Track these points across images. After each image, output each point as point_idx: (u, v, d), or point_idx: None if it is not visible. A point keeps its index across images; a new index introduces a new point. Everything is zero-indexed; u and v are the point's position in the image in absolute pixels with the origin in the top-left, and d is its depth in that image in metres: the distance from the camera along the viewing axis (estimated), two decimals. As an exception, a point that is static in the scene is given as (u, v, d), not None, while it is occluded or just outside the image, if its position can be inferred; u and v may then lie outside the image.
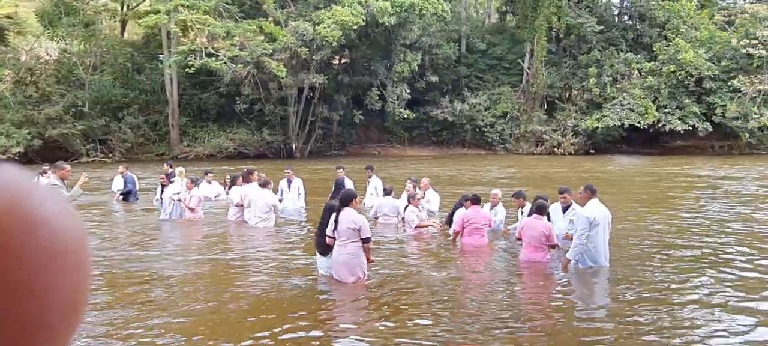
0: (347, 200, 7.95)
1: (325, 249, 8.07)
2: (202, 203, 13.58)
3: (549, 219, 9.24)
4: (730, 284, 7.72)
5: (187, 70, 34.59)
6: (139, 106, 38.01)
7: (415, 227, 11.36)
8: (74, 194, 9.98)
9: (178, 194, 13.12)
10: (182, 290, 7.67)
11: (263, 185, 12.55)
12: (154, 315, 6.58)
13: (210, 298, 7.35)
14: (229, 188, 14.34)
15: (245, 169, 14.15)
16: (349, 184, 13.75)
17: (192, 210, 12.96)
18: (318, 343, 5.77)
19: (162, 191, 14.15)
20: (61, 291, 0.52)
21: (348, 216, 7.76)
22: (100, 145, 35.80)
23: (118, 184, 17.03)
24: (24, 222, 0.50)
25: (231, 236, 11.91)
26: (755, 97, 37.80)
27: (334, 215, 7.84)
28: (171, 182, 13.87)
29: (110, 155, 34.95)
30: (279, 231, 12.07)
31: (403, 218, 11.92)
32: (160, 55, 38.09)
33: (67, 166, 10.16)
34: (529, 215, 9.34)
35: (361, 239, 7.72)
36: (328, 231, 7.91)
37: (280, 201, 13.95)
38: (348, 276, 7.76)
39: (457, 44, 43.72)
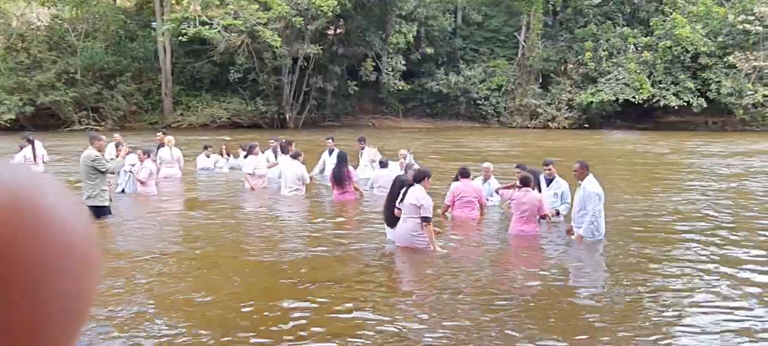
0: (420, 177, 8.21)
1: (392, 221, 8.35)
2: (155, 176, 12.90)
3: (540, 190, 9.30)
4: (716, 258, 7.76)
5: (180, 38, 34.34)
6: (131, 74, 37.69)
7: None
8: (117, 164, 10.03)
9: (132, 166, 12.54)
10: (183, 265, 7.67)
11: (294, 156, 12.77)
12: (171, 288, 6.59)
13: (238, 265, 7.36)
14: (246, 156, 14.16)
15: (284, 140, 14.25)
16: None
17: (142, 183, 12.40)
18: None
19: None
20: (68, 287, 0.52)
21: (414, 193, 8.00)
22: (92, 113, 35.60)
23: (111, 153, 16.95)
24: (31, 218, 0.50)
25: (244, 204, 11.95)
26: (750, 73, 37.78)
27: (404, 189, 8.12)
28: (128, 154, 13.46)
29: (102, 123, 34.76)
30: (277, 199, 12.19)
31: None
32: (153, 23, 37.73)
33: (103, 137, 10.17)
34: (517, 188, 9.36)
35: (421, 217, 7.89)
36: (398, 202, 8.21)
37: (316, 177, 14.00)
38: (414, 247, 7.99)
39: (452, 16, 43.43)
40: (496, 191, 10.11)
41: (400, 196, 8.16)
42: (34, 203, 0.51)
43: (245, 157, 14.17)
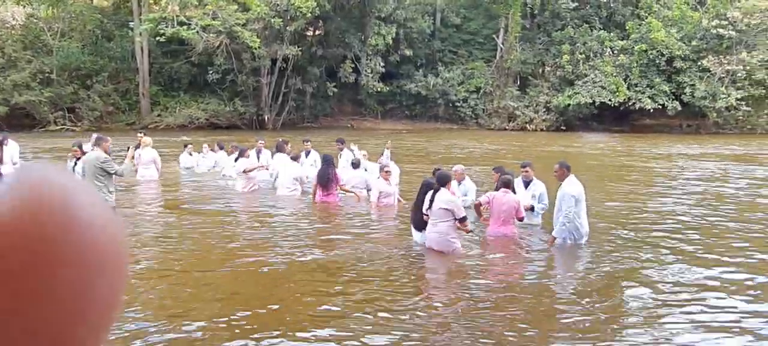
0: (444, 180, 8.27)
1: (420, 225, 8.45)
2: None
3: (515, 192, 9.33)
4: (690, 257, 7.92)
5: (158, 38, 34.12)
6: (108, 74, 37.38)
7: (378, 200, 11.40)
8: (126, 167, 9.87)
9: (74, 165, 11.59)
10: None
11: (295, 158, 12.98)
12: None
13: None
14: (237, 159, 14.08)
15: (281, 140, 14.37)
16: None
17: None
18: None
19: (74, 165, 13.35)
20: (99, 294, 0.53)
21: (442, 197, 8.07)
22: (68, 113, 35.25)
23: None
24: (67, 223, 0.50)
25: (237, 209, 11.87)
26: (723, 77, 38.46)
27: (430, 194, 8.17)
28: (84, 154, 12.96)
29: (79, 124, 34.47)
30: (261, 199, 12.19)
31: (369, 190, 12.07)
32: (131, 23, 37.45)
33: (110, 139, 9.96)
34: (496, 189, 9.39)
35: (456, 219, 8.04)
36: (424, 208, 8.29)
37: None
38: (450, 250, 8.07)
39: (431, 18, 43.62)
40: (478, 210, 9.82)
41: (427, 201, 8.23)
42: (65, 205, 0.51)
43: (236, 160, 14.13)
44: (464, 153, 23.44)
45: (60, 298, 0.50)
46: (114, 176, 9.42)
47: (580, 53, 41.29)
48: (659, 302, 6.33)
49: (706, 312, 6.04)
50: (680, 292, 6.68)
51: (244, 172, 13.20)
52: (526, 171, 10.25)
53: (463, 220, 8.06)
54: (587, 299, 6.45)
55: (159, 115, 37.38)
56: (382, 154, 13.90)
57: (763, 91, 38.65)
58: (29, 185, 0.51)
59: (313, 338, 5.28)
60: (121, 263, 0.56)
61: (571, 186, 8.41)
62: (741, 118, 39.06)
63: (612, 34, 42.01)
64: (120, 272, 0.56)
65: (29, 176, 0.52)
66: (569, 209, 8.26)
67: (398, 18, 39.83)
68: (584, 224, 8.53)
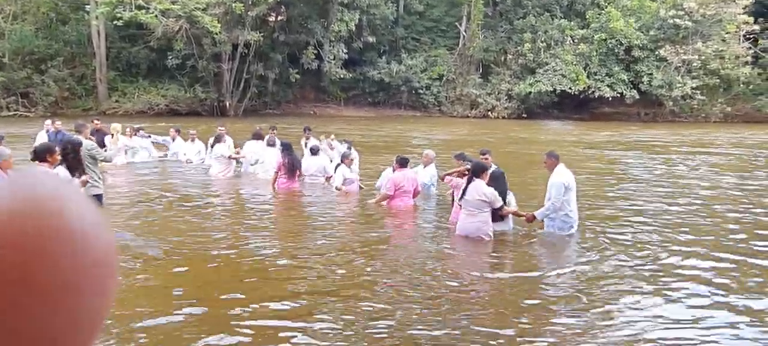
0: (479, 171, 8.34)
1: None
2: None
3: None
4: (664, 249, 8.08)
5: (115, 22, 33.32)
6: (63, 58, 36.40)
7: (336, 188, 11.50)
8: (113, 152, 9.76)
9: None
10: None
11: (271, 144, 13.35)
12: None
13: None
14: (212, 146, 14.18)
15: (257, 128, 14.94)
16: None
17: None
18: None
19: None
20: (90, 298, 0.54)
21: (478, 188, 8.14)
22: (21, 98, 34.30)
23: (42, 140, 16.22)
24: (61, 229, 0.51)
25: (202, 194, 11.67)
26: (679, 67, 39.31)
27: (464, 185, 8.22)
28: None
29: (33, 109, 33.58)
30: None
31: (327, 177, 12.25)
32: (87, 6, 36.45)
33: (89, 125, 9.84)
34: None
35: (492, 209, 8.16)
36: (458, 200, 8.32)
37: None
38: (479, 238, 8.15)
39: (394, 5, 43.55)
40: (442, 178, 10.04)
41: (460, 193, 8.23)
42: (66, 217, 0.52)
43: (213, 146, 14.17)
44: (426, 140, 23.48)
45: (53, 301, 0.50)
46: (102, 160, 9.26)
47: (542, 42, 41.70)
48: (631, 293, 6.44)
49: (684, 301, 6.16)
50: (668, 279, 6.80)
51: (229, 157, 13.55)
52: (486, 158, 10.33)
53: (499, 209, 8.23)
54: (552, 289, 6.53)
55: (117, 101, 36.61)
56: (330, 145, 14.36)
57: (717, 80, 39.68)
58: (24, 190, 0.52)
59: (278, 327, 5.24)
60: (112, 266, 0.56)
61: (561, 175, 8.51)
62: (696, 106, 39.98)
63: (572, 23, 42.51)
64: (111, 276, 0.56)
65: (24, 182, 0.53)
66: (558, 196, 8.37)
67: (361, 4, 39.64)
68: (575, 212, 8.63)
